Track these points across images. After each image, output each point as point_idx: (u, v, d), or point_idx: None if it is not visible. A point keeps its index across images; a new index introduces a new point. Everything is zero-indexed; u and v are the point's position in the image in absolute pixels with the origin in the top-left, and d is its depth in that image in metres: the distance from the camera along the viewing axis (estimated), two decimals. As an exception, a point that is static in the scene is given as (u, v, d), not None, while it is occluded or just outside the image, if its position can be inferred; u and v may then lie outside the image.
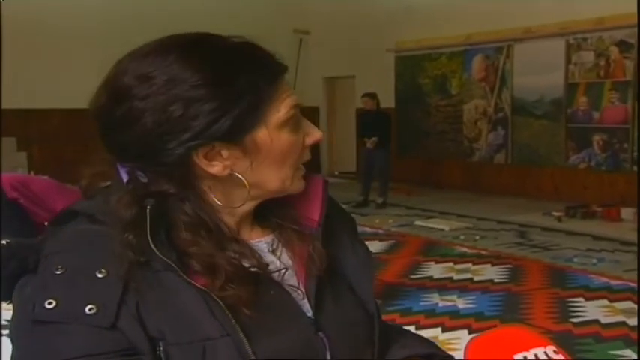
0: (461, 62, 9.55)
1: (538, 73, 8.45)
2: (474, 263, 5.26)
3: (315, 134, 0.81)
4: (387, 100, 10.65)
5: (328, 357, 0.77)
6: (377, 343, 0.83)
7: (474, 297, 4.35)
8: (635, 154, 7.57)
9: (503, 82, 9.00)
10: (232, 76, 0.74)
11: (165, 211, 0.74)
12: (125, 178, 0.77)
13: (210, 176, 0.76)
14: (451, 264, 5.22)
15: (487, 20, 8.82)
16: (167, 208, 0.74)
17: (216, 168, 0.75)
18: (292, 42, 11.20)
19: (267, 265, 0.78)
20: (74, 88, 10.91)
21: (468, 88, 9.51)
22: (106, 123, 0.76)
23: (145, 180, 0.76)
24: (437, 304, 4.21)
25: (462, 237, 6.36)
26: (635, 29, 6.87)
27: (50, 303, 0.67)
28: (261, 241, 0.82)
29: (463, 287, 4.59)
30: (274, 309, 0.76)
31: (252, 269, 0.76)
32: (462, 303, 4.23)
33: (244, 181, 0.76)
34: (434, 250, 5.80)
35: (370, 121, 8.23)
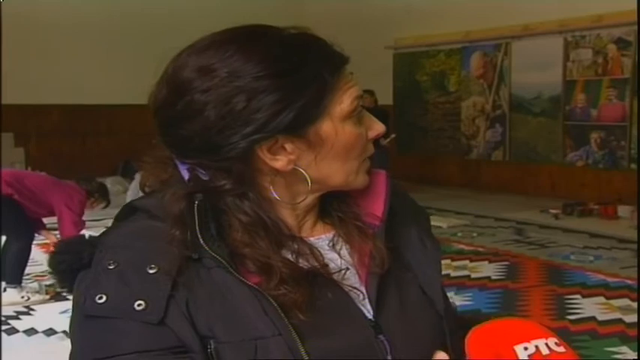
0: (459, 59, 9.54)
1: (536, 71, 8.45)
2: (472, 260, 5.26)
3: (377, 127, 0.79)
4: (385, 97, 10.65)
5: None
6: (449, 344, 0.78)
7: (471, 294, 4.36)
8: (633, 151, 7.58)
9: (502, 79, 9.00)
10: (295, 66, 0.72)
11: (219, 208, 0.73)
12: (186, 175, 0.75)
13: (272, 171, 0.74)
14: (448, 261, 5.22)
15: (485, 17, 8.82)
16: (223, 205, 0.73)
17: (280, 162, 0.74)
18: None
19: (327, 265, 0.76)
20: (72, 84, 10.94)
21: (466, 85, 9.51)
22: (167, 117, 0.75)
23: (206, 177, 0.74)
24: (434, 300, 4.22)
25: (459, 234, 6.37)
26: (633, 27, 6.87)
27: (101, 298, 0.68)
28: (322, 238, 0.80)
29: (460, 284, 4.59)
30: (331, 310, 0.73)
31: (309, 270, 0.74)
32: (459, 300, 4.23)
33: (306, 176, 0.75)
34: (431, 247, 5.80)
35: None
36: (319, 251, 0.77)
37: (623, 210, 7.00)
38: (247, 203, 0.74)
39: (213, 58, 0.73)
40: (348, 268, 0.77)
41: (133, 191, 7.24)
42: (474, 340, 0.73)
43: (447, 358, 0.70)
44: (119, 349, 0.66)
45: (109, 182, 9.23)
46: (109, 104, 9.84)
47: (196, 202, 0.71)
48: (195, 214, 0.71)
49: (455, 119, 9.73)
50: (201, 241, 0.69)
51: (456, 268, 5.04)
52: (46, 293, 4.30)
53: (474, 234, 6.38)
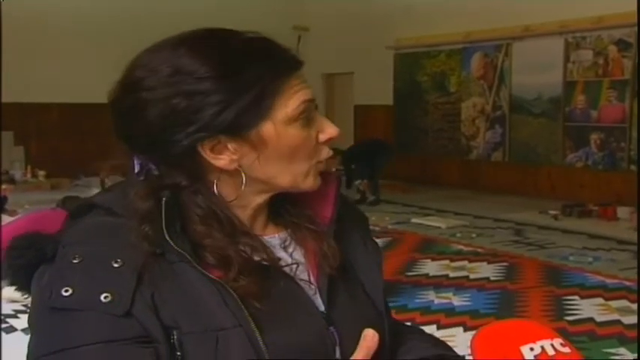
0: (460, 60, 9.55)
1: (537, 72, 8.45)
2: (470, 261, 5.26)
3: (329, 131, 0.80)
4: (386, 98, 10.66)
5: (338, 352, 0.78)
6: (387, 341, 0.83)
7: (469, 295, 4.36)
8: (633, 152, 7.58)
9: (502, 80, 9.00)
10: (238, 68, 0.74)
11: (180, 204, 0.75)
12: (137, 168, 0.78)
13: (217, 169, 0.77)
14: (447, 262, 5.23)
15: (486, 18, 8.82)
16: (181, 201, 0.76)
17: (222, 161, 0.76)
18: (291, 38, 11.17)
19: (279, 259, 0.79)
20: (72, 82, 10.95)
21: (466, 86, 9.51)
22: (117, 114, 0.78)
23: (156, 172, 0.78)
24: (432, 301, 4.22)
25: (458, 235, 6.37)
26: (634, 28, 6.87)
27: (67, 291, 0.69)
28: (275, 237, 0.83)
29: (459, 285, 4.59)
30: (286, 302, 0.77)
31: (263, 262, 0.77)
32: (457, 301, 4.24)
33: (243, 175, 0.77)
34: (430, 247, 5.80)
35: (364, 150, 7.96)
36: (270, 249, 0.80)
37: (622, 211, 7.00)
38: (200, 197, 0.77)
39: (164, 57, 0.75)
40: (298, 264, 0.81)
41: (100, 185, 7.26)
42: (480, 340, 0.73)
43: (374, 333, 0.75)
44: (85, 340, 0.68)
45: (108, 182, 9.26)
46: (108, 103, 9.84)
47: (164, 199, 0.74)
48: (163, 211, 0.73)
49: (455, 120, 9.74)
50: (167, 237, 0.71)
51: (455, 268, 5.05)
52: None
53: (473, 235, 6.38)
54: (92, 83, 9.88)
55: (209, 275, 0.72)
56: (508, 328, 0.74)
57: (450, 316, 3.92)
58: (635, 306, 4.01)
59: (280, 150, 0.77)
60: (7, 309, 3.99)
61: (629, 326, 3.69)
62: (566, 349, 0.70)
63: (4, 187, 5.23)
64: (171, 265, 0.72)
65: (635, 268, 4.83)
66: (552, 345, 0.70)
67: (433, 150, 10.07)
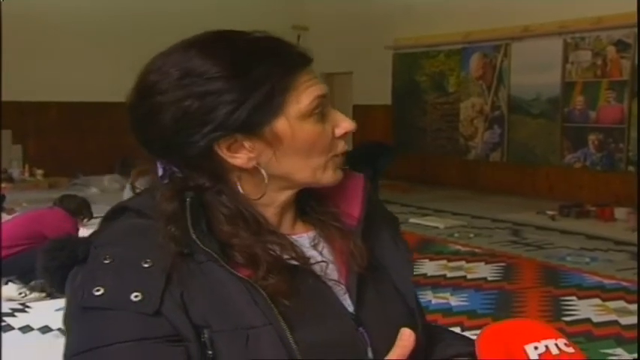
0: (459, 60, 9.55)
1: (535, 72, 8.46)
2: (468, 261, 5.26)
3: (344, 125, 0.81)
4: (385, 97, 10.66)
5: (370, 353, 0.78)
6: (421, 339, 0.82)
7: (466, 295, 4.36)
8: (631, 153, 7.59)
9: (501, 80, 9.01)
10: (248, 67, 0.75)
11: (205, 204, 0.76)
12: (160, 172, 0.80)
13: (237, 168, 0.78)
14: (445, 262, 5.23)
15: (485, 18, 8.82)
16: (206, 201, 0.77)
17: (239, 160, 0.77)
18: (291, 38, 11.07)
19: (309, 258, 0.80)
20: (70, 81, 10.92)
21: (465, 86, 9.51)
22: (134, 119, 0.80)
23: (179, 175, 0.79)
24: (430, 301, 4.22)
25: (456, 235, 6.37)
26: (633, 29, 6.89)
27: (98, 290, 0.70)
28: (304, 236, 0.83)
29: (456, 285, 4.60)
30: (315, 301, 0.77)
31: (291, 261, 0.77)
32: (454, 301, 4.24)
33: (264, 173, 0.78)
34: (428, 247, 5.80)
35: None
36: (300, 248, 0.80)
37: (620, 212, 7.01)
38: (225, 197, 0.78)
39: (175, 60, 0.76)
40: (328, 264, 0.81)
41: (130, 189, 7.23)
42: (485, 339, 0.74)
43: (411, 332, 0.74)
44: (117, 338, 0.69)
45: (107, 180, 9.24)
46: (107, 102, 9.81)
47: (188, 200, 0.75)
48: (188, 211, 0.74)
49: (453, 120, 9.74)
50: (194, 237, 0.72)
51: (452, 268, 5.05)
52: (42, 291, 4.29)
53: (471, 235, 6.38)
54: (90, 82, 9.91)
55: (237, 274, 0.72)
56: (512, 327, 0.75)
57: (447, 316, 3.93)
58: (632, 307, 4.02)
59: (296, 146, 0.77)
60: (5, 307, 3.98)
61: (627, 327, 3.70)
62: (570, 349, 0.71)
63: (3, 185, 5.23)
64: (199, 265, 0.73)
65: (633, 269, 4.84)
66: (556, 344, 0.71)
67: (431, 150, 10.07)
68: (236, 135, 0.76)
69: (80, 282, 0.73)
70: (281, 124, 0.76)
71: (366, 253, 0.82)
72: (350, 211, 0.85)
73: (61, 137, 10.00)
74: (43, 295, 4.28)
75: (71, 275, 0.75)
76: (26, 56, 9.16)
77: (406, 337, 0.74)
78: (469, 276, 4.85)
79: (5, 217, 4.95)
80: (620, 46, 7.69)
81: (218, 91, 0.74)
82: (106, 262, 0.72)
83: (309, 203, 0.85)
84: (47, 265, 0.76)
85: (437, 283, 4.63)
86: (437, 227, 6.66)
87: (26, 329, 3.75)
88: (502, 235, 6.43)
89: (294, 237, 0.82)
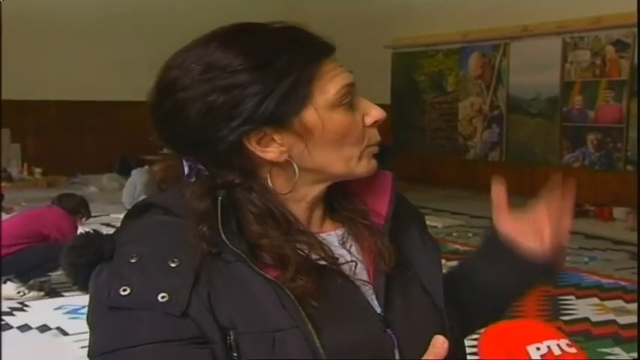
0: (457, 59, 9.55)
1: (534, 72, 8.46)
2: (467, 260, 5.26)
3: (374, 113, 0.78)
4: (383, 97, 10.65)
5: (397, 355, 0.76)
6: (450, 337, 0.80)
7: (466, 294, 4.36)
8: (630, 153, 7.60)
9: (500, 80, 9.01)
10: (271, 58, 0.73)
11: (235, 203, 0.75)
12: (187, 170, 0.78)
13: (268, 163, 0.76)
14: (443, 261, 5.13)
15: (484, 18, 8.82)
16: (236, 200, 0.75)
17: (271, 154, 0.75)
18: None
19: (337, 258, 0.78)
20: (70, 80, 10.90)
21: (464, 86, 9.52)
22: (157, 118, 0.78)
23: (206, 172, 0.77)
24: (429, 300, 4.22)
25: (455, 234, 6.38)
26: (632, 29, 6.89)
27: (125, 290, 0.69)
28: (332, 235, 0.82)
29: (455, 284, 4.60)
30: (343, 302, 0.75)
31: (320, 262, 0.76)
32: (454, 300, 4.24)
33: (295, 166, 0.76)
34: (427, 246, 5.80)
35: None
36: (329, 247, 0.78)
37: (619, 212, 7.02)
38: (255, 195, 0.76)
39: (196, 55, 0.75)
40: (357, 264, 0.79)
41: (129, 188, 7.21)
42: (487, 340, 0.74)
43: (444, 340, 0.72)
44: (142, 339, 0.68)
45: (105, 179, 9.23)
46: (106, 101, 9.82)
47: (219, 199, 0.73)
48: (219, 210, 0.72)
49: (452, 119, 9.74)
50: (223, 236, 0.71)
51: (451, 268, 5.05)
52: (41, 290, 4.29)
53: (470, 234, 6.39)
54: (90, 81, 9.89)
55: (265, 275, 0.71)
56: (515, 328, 0.75)
57: (446, 316, 3.93)
58: (630, 306, 4.02)
59: (327, 136, 0.75)
60: (3, 306, 3.98)
61: (625, 326, 3.70)
62: (573, 350, 0.71)
63: (2, 184, 5.24)
64: (227, 265, 0.72)
65: (631, 269, 4.85)
66: (559, 345, 0.71)
67: (430, 149, 10.07)
68: (265, 128, 0.74)
69: (106, 280, 0.71)
70: (310, 115, 0.74)
71: (394, 253, 0.81)
72: (378, 209, 0.83)
73: (60, 136, 9.99)
74: (42, 294, 4.28)
75: (95, 272, 0.73)
76: (25, 55, 9.15)
77: (439, 345, 0.72)
78: (468, 275, 4.85)
79: (4, 215, 4.94)
80: (619, 45, 7.69)
81: (243, 83, 0.72)
82: (133, 260, 0.70)
83: (337, 199, 0.83)
84: (74, 261, 0.74)
85: (436, 283, 4.63)
86: (435, 226, 6.66)
87: (25, 328, 3.75)
88: (501, 234, 6.42)
89: (322, 235, 0.80)
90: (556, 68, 8.27)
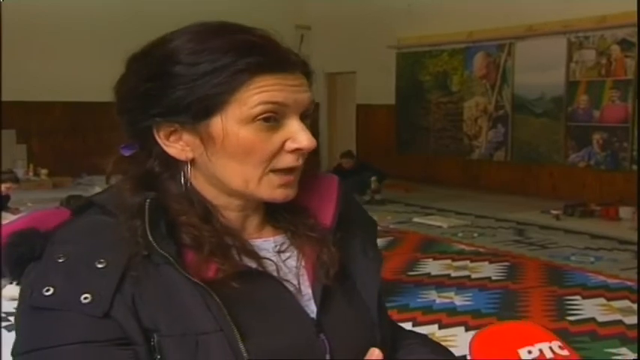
0: (462, 59, 9.53)
1: (539, 71, 8.43)
2: (472, 261, 5.25)
3: (299, 140, 0.75)
4: (388, 97, 10.65)
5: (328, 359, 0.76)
6: (385, 351, 0.81)
7: (471, 294, 4.35)
8: (635, 152, 7.57)
9: (504, 79, 8.99)
10: (202, 59, 0.73)
11: (164, 205, 0.75)
12: (125, 152, 0.80)
13: (183, 160, 0.77)
14: (449, 261, 5.22)
15: (489, 18, 8.80)
16: (164, 198, 0.76)
17: (173, 150, 0.76)
18: (294, 37, 11.18)
19: (269, 264, 0.78)
20: (75, 81, 10.93)
21: (468, 86, 9.50)
22: (117, 95, 0.81)
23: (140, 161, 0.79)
24: (434, 301, 4.22)
25: (460, 234, 6.37)
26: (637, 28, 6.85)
27: (48, 290, 0.69)
28: (269, 241, 0.82)
29: (461, 284, 4.59)
30: (272, 307, 0.75)
31: (249, 265, 0.76)
32: (459, 300, 4.23)
33: (188, 167, 0.77)
34: (432, 247, 5.80)
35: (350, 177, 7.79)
36: (257, 252, 0.79)
37: (625, 211, 6.99)
38: (174, 185, 0.78)
39: (170, 38, 0.76)
40: (289, 269, 0.79)
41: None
42: (478, 343, 0.73)
43: (379, 352, 0.73)
44: (63, 340, 0.68)
45: (113, 180, 9.25)
46: (111, 102, 9.82)
47: (148, 201, 0.73)
48: (147, 212, 0.72)
49: (457, 119, 9.73)
50: (151, 239, 0.71)
51: (457, 268, 5.04)
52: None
53: (475, 234, 6.37)
54: (95, 82, 9.86)
55: (192, 278, 0.71)
56: (506, 330, 0.74)
57: (451, 316, 3.92)
58: (636, 306, 4.00)
59: (228, 149, 0.74)
60: (8, 307, 3.99)
61: (631, 326, 3.69)
62: (565, 352, 0.70)
63: (7, 185, 5.27)
64: (156, 267, 0.71)
65: (637, 268, 4.83)
66: (550, 348, 0.70)
67: (435, 149, 10.06)
68: (176, 124, 0.74)
69: (31, 280, 0.71)
70: (215, 124, 0.73)
71: (337, 261, 0.80)
72: (322, 214, 0.83)
73: (65, 137, 10.01)
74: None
75: (27, 270, 0.73)
76: (30, 56, 9.18)
77: (375, 356, 0.74)
78: (473, 275, 4.84)
79: (10, 217, 4.95)
80: (625, 45, 7.66)
81: (176, 75, 0.73)
82: (60, 260, 0.70)
83: (280, 206, 0.81)
84: (8, 259, 0.74)
85: (441, 283, 4.62)
86: (441, 227, 6.65)
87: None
88: (506, 234, 6.42)
89: (258, 241, 0.80)
90: (561, 68, 8.24)
